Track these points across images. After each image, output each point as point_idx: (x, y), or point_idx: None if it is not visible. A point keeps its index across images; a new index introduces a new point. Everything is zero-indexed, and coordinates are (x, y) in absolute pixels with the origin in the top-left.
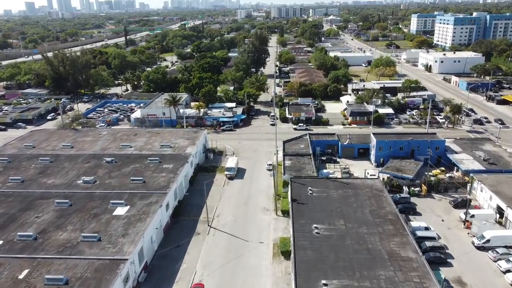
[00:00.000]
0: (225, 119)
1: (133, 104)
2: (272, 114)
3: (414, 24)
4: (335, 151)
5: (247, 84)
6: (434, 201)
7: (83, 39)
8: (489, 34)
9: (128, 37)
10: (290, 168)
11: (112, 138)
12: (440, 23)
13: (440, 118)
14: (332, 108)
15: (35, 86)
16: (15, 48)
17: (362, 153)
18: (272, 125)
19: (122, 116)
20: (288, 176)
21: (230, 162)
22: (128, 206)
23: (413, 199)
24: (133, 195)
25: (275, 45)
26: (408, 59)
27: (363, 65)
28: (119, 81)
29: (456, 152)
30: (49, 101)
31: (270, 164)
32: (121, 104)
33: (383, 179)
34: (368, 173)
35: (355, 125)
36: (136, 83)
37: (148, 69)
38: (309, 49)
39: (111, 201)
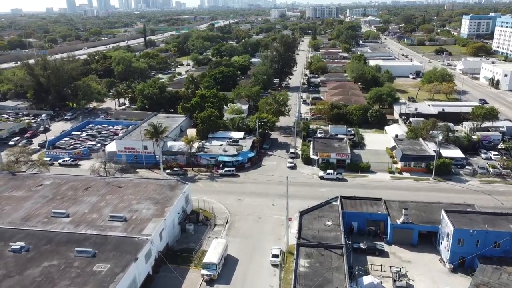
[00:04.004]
0: (225, 159)
1: (119, 127)
2: (292, 150)
3: (465, 26)
4: (382, 231)
5: (262, 105)
6: None
7: (105, 38)
8: None
9: (149, 37)
10: (305, 279)
11: (51, 194)
12: (502, 26)
13: None
14: (374, 142)
15: (16, 98)
16: (34, 48)
17: (425, 235)
18: (291, 167)
19: (99, 145)
20: None
21: (212, 251)
22: None
23: None
24: None
25: (307, 48)
26: (465, 70)
27: (410, 76)
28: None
29: None
30: (18, 119)
31: (276, 256)
32: (105, 125)
33: None
34: None
35: (407, 174)
36: (131, 96)
37: (161, 76)
38: (345, 54)
39: None
